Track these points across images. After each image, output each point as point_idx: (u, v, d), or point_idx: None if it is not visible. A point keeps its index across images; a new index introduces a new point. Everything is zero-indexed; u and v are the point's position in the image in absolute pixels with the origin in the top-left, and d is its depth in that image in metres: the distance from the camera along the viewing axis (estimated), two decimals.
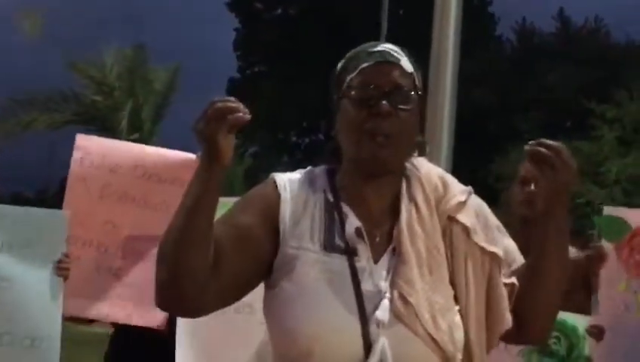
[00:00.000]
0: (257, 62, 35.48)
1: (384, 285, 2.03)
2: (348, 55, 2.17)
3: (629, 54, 29.46)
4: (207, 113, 1.93)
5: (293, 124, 34.45)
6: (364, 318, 1.98)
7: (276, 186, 2.12)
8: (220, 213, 2.06)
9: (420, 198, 2.11)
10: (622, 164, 18.98)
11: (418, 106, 2.12)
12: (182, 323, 3.93)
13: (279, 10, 35.56)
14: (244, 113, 1.93)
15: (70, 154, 4.25)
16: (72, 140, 4.30)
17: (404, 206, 2.10)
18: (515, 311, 2.13)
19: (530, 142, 2.07)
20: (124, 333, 4.29)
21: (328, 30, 31.78)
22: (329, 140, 2.18)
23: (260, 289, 2.11)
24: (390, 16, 21.16)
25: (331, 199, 2.11)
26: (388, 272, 2.05)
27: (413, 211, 2.09)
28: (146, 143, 5.05)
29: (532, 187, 3.76)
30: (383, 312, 1.99)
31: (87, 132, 4.16)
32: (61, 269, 3.99)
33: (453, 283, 2.07)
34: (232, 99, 1.96)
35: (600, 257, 3.69)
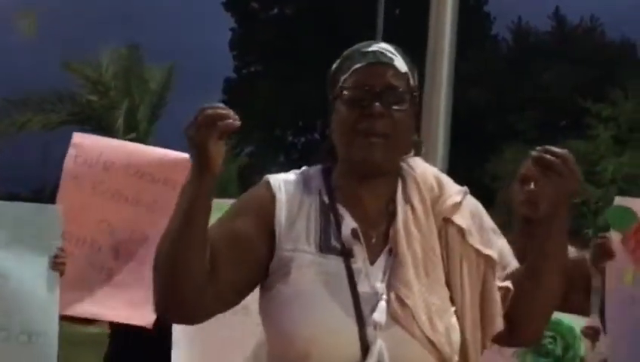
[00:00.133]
0: (253, 61, 35.45)
1: (380, 286, 2.02)
2: (343, 55, 2.17)
3: (625, 53, 29.52)
4: (198, 120, 1.93)
5: (289, 124, 34.44)
6: (361, 320, 1.97)
7: (271, 188, 2.11)
8: (215, 214, 2.06)
9: (415, 199, 2.11)
10: (617, 163, 18.98)
11: (413, 106, 2.12)
12: (178, 324, 3.93)
13: (275, 10, 35.54)
14: (234, 120, 1.93)
15: (66, 154, 4.25)
16: (68, 140, 4.30)
17: (400, 207, 2.10)
18: (509, 314, 2.12)
19: (537, 148, 2.08)
20: (123, 334, 4.29)
21: (324, 30, 31.77)
22: (325, 140, 2.18)
23: (255, 291, 2.10)
24: (386, 16, 21.15)
25: (327, 200, 2.10)
26: (384, 273, 2.04)
27: (409, 212, 2.09)
28: (142, 143, 5.04)
29: (532, 186, 3.76)
30: (380, 314, 1.98)
31: (83, 132, 4.15)
32: (57, 264, 3.99)
33: (448, 284, 2.07)
34: (222, 105, 1.95)
35: (606, 252, 3.66)
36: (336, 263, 2.03)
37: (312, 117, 31.98)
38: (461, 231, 2.10)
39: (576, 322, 3.69)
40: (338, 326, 1.97)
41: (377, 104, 2.04)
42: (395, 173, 2.14)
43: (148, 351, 4.14)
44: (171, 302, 2.00)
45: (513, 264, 2.18)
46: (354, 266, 2.03)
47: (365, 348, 1.96)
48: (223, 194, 4.06)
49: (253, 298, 2.12)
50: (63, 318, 4.22)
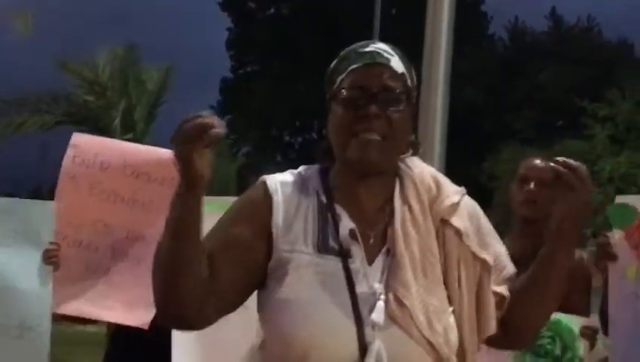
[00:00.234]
0: (250, 61, 35.45)
1: (378, 287, 2.02)
2: (340, 55, 2.16)
3: (622, 53, 29.57)
4: (182, 131, 1.90)
5: (286, 124, 34.44)
6: (360, 320, 1.97)
7: (267, 190, 2.10)
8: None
9: (413, 200, 2.10)
10: (615, 163, 19.00)
11: (410, 107, 2.11)
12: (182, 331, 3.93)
13: (272, 10, 35.55)
14: (218, 128, 1.89)
15: (62, 155, 4.25)
16: (65, 140, 4.29)
17: (398, 207, 2.09)
18: (507, 318, 2.13)
19: (557, 159, 2.09)
20: (123, 333, 4.28)
21: (321, 29, 31.78)
22: (322, 140, 2.17)
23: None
24: (383, 15, 21.15)
25: (324, 200, 2.10)
26: (382, 274, 2.03)
27: (407, 213, 2.08)
28: (139, 143, 5.04)
29: (531, 186, 3.76)
30: (378, 314, 1.98)
31: (80, 132, 4.14)
32: (50, 258, 4.00)
33: (446, 284, 2.06)
34: (206, 114, 1.92)
35: (607, 255, 3.63)
36: (334, 264, 2.02)
37: (309, 117, 31.97)
38: (458, 233, 2.09)
39: (575, 322, 3.69)
40: (336, 327, 1.96)
41: (373, 106, 2.04)
42: (393, 173, 2.13)
43: (147, 351, 4.13)
44: (172, 314, 2.02)
45: (509, 267, 2.18)
46: (352, 266, 2.02)
47: (363, 348, 1.96)
48: (223, 193, 4.06)
49: (253, 296, 2.12)
50: (62, 318, 4.22)
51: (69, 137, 4.32)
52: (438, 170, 2.25)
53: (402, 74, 2.10)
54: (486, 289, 2.10)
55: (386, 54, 2.10)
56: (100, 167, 4.19)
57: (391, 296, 2.00)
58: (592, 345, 3.71)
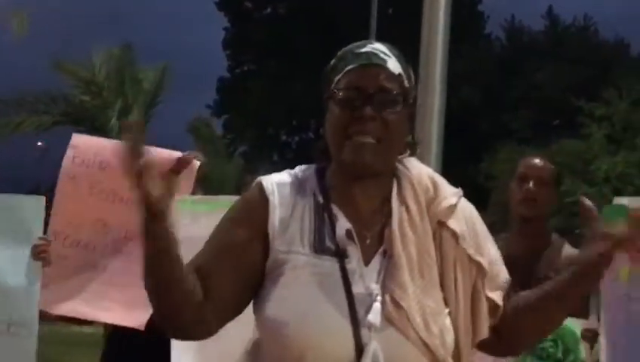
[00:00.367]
0: (247, 61, 35.46)
1: (375, 287, 2.01)
2: (337, 55, 2.14)
3: (618, 53, 29.59)
4: (124, 167, 1.88)
5: (282, 123, 34.45)
6: (356, 321, 1.96)
7: (264, 191, 2.09)
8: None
9: (411, 201, 2.09)
10: (611, 162, 19.03)
11: (407, 107, 2.10)
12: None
13: (268, 9, 35.55)
14: (146, 153, 1.86)
15: (60, 154, 4.25)
16: (62, 140, 4.30)
17: (395, 208, 2.08)
18: (500, 328, 2.12)
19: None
20: (120, 334, 4.28)
21: (318, 29, 31.78)
22: (319, 139, 2.16)
23: None
24: (379, 15, 21.16)
25: (321, 200, 2.09)
26: (379, 274, 2.03)
27: (405, 214, 2.07)
28: None
29: (530, 184, 3.76)
30: (374, 315, 1.97)
31: (77, 132, 4.15)
32: (39, 254, 3.98)
33: (442, 286, 2.05)
34: (127, 136, 1.88)
35: (608, 257, 3.62)
36: (330, 264, 2.02)
37: (306, 116, 32.00)
38: (455, 236, 2.09)
39: (577, 325, 3.68)
40: (333, 328, 1.96)
41: (368, 107, 2.02)
42: (390, 174, 2.12)
43: (145, 352, 4.12)
44: (175, 330, 2.08)
45: (503, 272, 2.16)
46: (348, 267, 2.02)
47: (360, 349, 1.95)
48: (219, 192, 4.06)
49: None
50: (58, 319, 4.20)
51: (68, 137, 4.32)
52: (435, 169, 2.24)
53: (399, 75, 2.09)
54: (481, 293, 2.09)
55: (382, 55, 2.09)
56: (99, 167, 4.19)
57: (387, 297, 1.99)
58: (592, 347, 3.71)
